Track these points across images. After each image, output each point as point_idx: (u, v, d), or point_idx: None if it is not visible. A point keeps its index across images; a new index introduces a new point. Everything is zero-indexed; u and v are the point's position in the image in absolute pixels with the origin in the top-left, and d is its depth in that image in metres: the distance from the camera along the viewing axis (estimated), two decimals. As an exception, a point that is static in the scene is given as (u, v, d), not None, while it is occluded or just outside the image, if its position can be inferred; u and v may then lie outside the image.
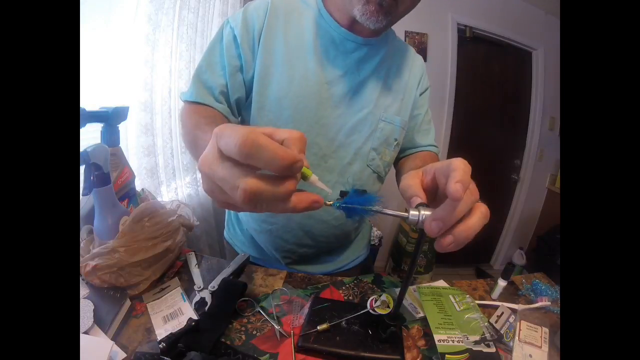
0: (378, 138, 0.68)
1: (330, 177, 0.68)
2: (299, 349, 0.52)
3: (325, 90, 0.64)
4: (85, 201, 0.67)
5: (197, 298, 0.60)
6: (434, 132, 0.82)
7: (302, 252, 0.77)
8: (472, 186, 0.32)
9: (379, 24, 0.58)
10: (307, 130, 0.63)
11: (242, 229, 0.82)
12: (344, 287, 0.68)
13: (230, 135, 0.25)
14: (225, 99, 0.63)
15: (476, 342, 0.54)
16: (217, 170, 0.27)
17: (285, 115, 0.64)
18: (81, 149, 0.56)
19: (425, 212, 0.48)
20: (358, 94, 0.66)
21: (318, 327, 0.54)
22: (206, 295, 0.61)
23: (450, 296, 0.65)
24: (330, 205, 0.50)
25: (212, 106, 0.61)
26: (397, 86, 0.70)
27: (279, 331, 0.55)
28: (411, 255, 0.53)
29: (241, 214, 0.81)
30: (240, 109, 0.68)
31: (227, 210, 0.89)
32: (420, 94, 0.76)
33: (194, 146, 0.50)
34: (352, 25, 0.64)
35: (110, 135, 0.71)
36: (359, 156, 0.69)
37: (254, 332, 0.55)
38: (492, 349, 0.53)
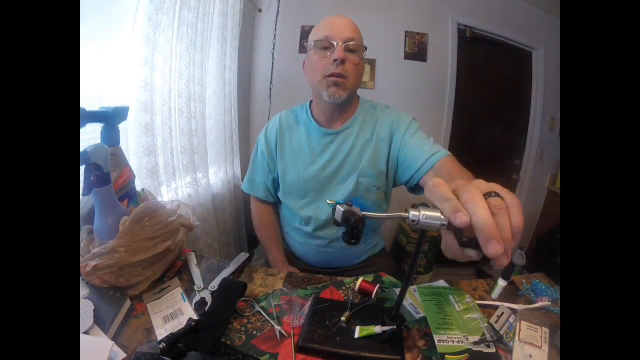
0: (360, 189, 0.91)
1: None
2: (299, 349, 0.52)
3: (320, 172, 0.92)
4: (85, 201, 0.67)
5: (197, 298, 0.60)
6: (432, 140, 0.86)
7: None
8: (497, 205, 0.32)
9: (342, 98, 0.83)
10: (315, 198, 0.95)
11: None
12: (343, 287, 0.68)
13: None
14: (267, 190, 1.05)
15: (476, 343, 0.54)
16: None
17: (300, 194, 0.96)
18: (81, 149, 0.56)
19: (426, 212, 0.48)
20: (343, 166, 0.92)
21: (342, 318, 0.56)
22: (206, 295, 0.61)
23: (450, 296, 0.64)
24: (332, 203, 0.50)
25: (259, 197, 1.07)
26: (367, 145, 0.91)
27: (279, 331, 0.55)
28: (411, 255, 0.53)
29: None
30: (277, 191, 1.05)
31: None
32: (400, 136, 0.89)
33: (263, 243, 1.10)
34: (329, 122, 0.92)
35: (110, 135, 0.71)
36: None
37: (254, 332, 0.55)
38: (492, 349, 0.53)
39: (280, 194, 1.02)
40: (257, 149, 1.02)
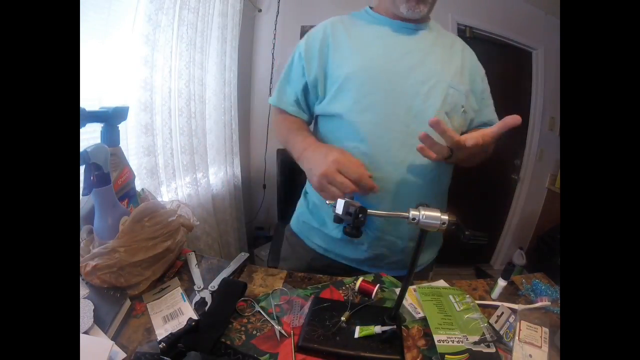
0: (449, 104, 0.75)
1: (415, 141, 0.67)
2: (299, 349, 0.52)
3: (393, 64, 0.75)
4: (85, 201, 0.67)
5: (197, 298, 0.60)
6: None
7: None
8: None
9: (422, 13, 0.77)
10: (384, 99, 0.73)
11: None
12: (343, 287, 0.68)
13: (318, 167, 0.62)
14: (298, 104, 0.83)
15: (476, 343, 0.54)
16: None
17: (362, 91, 0.73)
18: (81, 149, 0.56)
19: (426, 212, 0.48)
20: (423, 65, 0.76)
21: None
22: (206, 295, 0.61)
23: (450, 296, 0.64)
24: (332, 203, 0.50)
25: (288, 111, 0.83)
26: (455, 60, 0.81)
27: (279, 331, 0.55)
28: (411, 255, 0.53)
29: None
30: (313, 106, 0.84)
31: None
32: (478, 72, 0.88)
33: (289, 145, 0.79)
34: (401, 18, 0.79)
35: (110, 135, 0.71)
36: None
37: (254, 332, 0.55)
38: (492, 349, 0.53)
39: (325, 103, 0.78)
40: (294, 57, 0.83)
